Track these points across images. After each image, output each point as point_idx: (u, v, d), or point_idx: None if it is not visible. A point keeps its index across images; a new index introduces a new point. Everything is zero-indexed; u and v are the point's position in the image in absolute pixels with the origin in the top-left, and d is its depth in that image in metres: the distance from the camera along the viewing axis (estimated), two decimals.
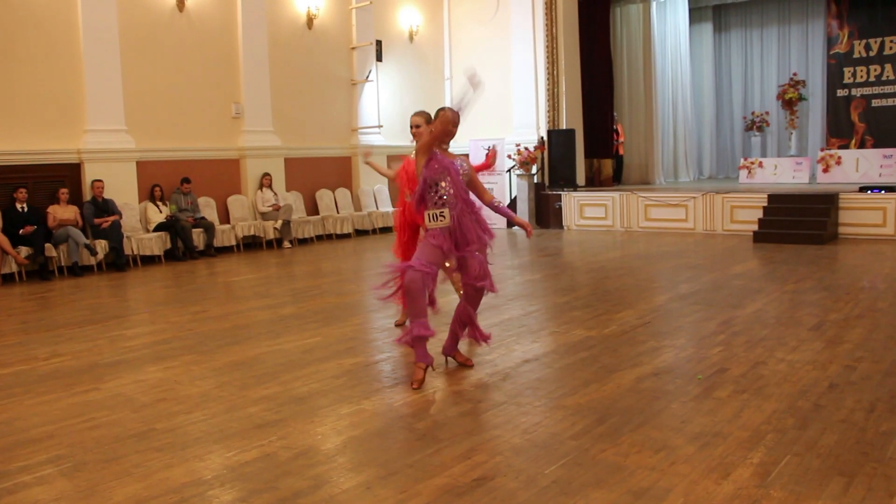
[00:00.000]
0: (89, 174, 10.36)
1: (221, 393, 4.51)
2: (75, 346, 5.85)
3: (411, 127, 5.46)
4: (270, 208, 12.16)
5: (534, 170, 13.80)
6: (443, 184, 4.56)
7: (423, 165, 4.59)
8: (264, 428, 3.87)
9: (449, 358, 4.97)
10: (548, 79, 14.07)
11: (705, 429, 3.67)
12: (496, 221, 13.81)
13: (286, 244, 12.16)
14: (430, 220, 4.57)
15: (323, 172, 13.66)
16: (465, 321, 4.87)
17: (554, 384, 4.52)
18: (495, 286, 4.85)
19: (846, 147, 14.93)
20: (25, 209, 9.52)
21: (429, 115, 5.52)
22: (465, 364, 4.91)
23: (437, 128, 4.57)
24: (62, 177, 10.23)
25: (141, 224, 10.91)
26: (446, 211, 4.55)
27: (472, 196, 4.73)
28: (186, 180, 11.25)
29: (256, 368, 5.04)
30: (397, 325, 6.25)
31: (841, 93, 15.67)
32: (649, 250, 10.48)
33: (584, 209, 13.48)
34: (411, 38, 15.19)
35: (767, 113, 17.26)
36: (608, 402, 4.11)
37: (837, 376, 4.45)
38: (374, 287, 5.21)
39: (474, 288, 4.75)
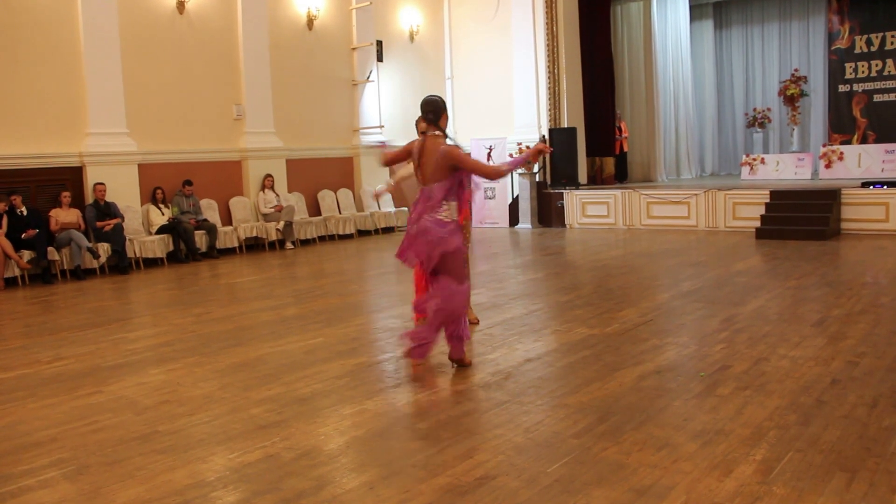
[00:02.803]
0: (91, 177, 10.37)
1: (224, 394, 4.52)
2: (78, 350, 5.86)
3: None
4: (272, 209, 12.17)
5: (536, 168, 13.79)
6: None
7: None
8: (267, 429, 3.88)
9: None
10: (549, 77, 14.06)
11: (707, 426, 3.67)
12: (498, 220, 13.99)
13: (288, 245, 12.17)
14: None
15: (325, 173, 13.67)
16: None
17: (556, 383, 4.52)
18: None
19: (848, 142, 14.91)
20: (24, 212, 9.51)
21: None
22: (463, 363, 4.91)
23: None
24: (64, 180, 10.25)
25: (143, 227, 10.92)
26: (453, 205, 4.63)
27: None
28: (188, 182, 11.26)
29: (259, 370, 5.05)
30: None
31: (842, 88, 15.64)
32: (651, 248, 10.47)
33: (586, 207, 13.46)
34: (412, 38, 15.18)
35: (769, 109, 17.21)
36: (610, 401, 4.11)
37: (840, 372, 4.44)
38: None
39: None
